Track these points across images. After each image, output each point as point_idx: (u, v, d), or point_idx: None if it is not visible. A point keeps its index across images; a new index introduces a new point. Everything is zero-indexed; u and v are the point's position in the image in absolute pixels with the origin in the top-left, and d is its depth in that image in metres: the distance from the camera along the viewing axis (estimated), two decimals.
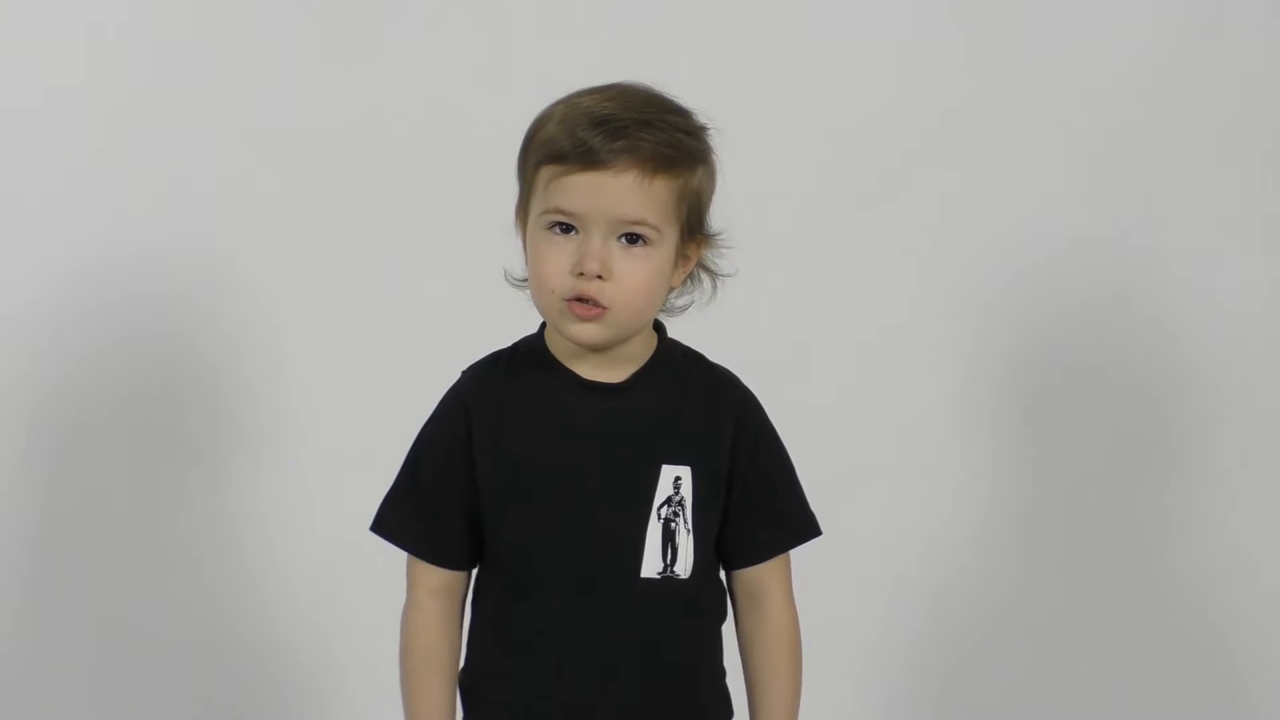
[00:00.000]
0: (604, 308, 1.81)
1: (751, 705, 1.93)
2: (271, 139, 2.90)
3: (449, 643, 1.90)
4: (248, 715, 2.91)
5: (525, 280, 1.88)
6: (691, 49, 2.95)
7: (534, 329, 1.91)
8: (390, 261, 2.94)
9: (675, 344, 1.92)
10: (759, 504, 1.90)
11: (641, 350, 1.88)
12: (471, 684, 1.92)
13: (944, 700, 3.06)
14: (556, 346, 1.88)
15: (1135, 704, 3.08)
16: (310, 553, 2.90)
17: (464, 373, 1.92)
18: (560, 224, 1.81)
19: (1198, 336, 3.12)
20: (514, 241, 1.89)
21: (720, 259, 1.91)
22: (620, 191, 1.79)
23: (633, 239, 1.81)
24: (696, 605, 1.89)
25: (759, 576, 1.92)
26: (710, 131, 1.86)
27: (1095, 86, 3.09)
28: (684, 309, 1.92)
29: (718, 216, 1.90)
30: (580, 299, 1.81)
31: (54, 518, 2.90)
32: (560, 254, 1.81)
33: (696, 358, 1.93)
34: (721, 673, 1.94)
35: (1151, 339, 3.11)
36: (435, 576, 1.89)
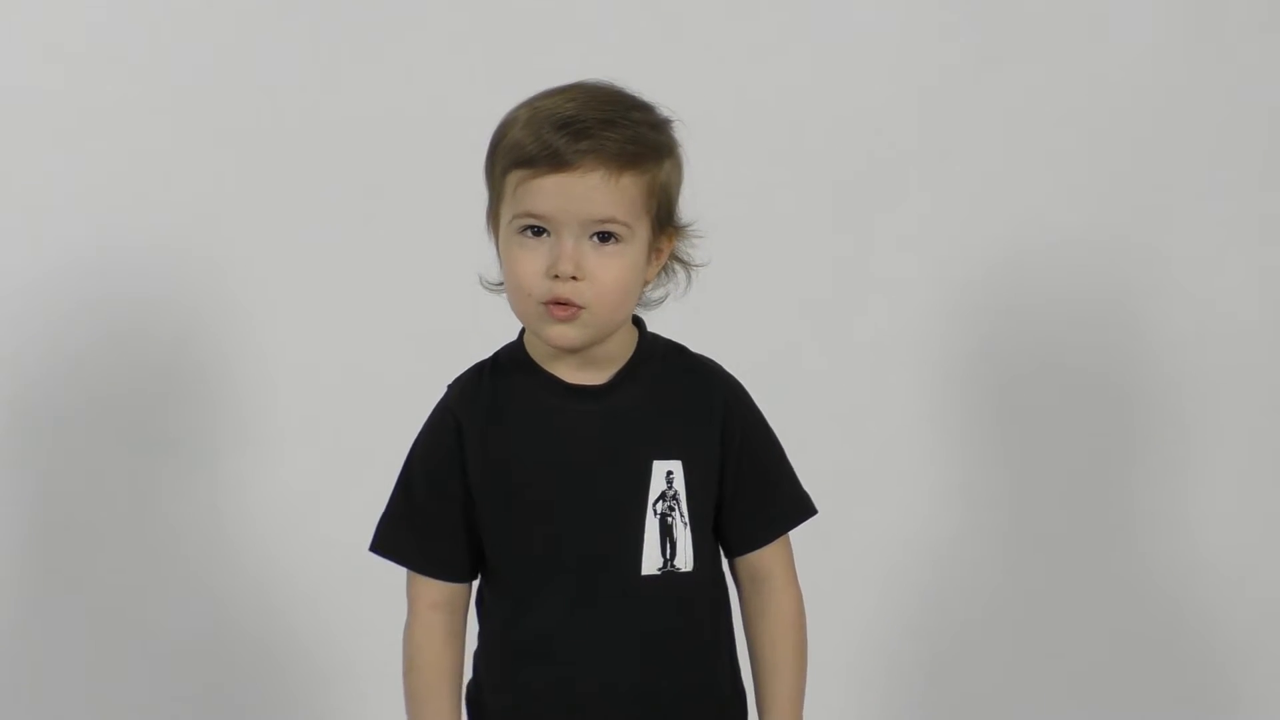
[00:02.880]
0: (580, 307, 1.81)
1: (758, 688, 1.94)
2: (270, 139, 2.89)
3: (453, 655, 1.90)
4: (248, 715, 2.91)
5: (499, 284, 1.88)
6: (688, 47, 2.94)
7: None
8: (388, 262, 2.93)
9: (656, 338, 1.92)
10: (753, 489, 1.91)
11: (622, 349, 1.88)
12: (478, 694, 1.92)
13: (928, 699, 3.06)
14: (536, 351, 1.89)
15: (1119, 700, 3.09)
16: (310, 552, 2.90)
17: (449, 386, 1.92)
18: (531, 227, 1.81)
19: (1193, 337, 3.11)
20: None
21: (693, 249, 1.91)
22: (588, 191, 1.79)
23: (604, 237, 1.81)
24: (701, 599, 1.89)
25: (761, 561, 1.93)
26: (675, 124, 1.86)
27: (1093, 87, 3.07)
28: (660, 302, 1.92)
29: (698, 211, 1.90)
30: (556, 302, 1.81)
31: (52, 517, 2.89)
32: (533, 257, 1.81)
33: (679, 350, 1.93)
34: (735, 667, 1.95)
35: (1147, 339, 3.10)
36: (435, 590, 1.90)
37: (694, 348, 1.96)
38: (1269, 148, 3.12)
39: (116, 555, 2.90)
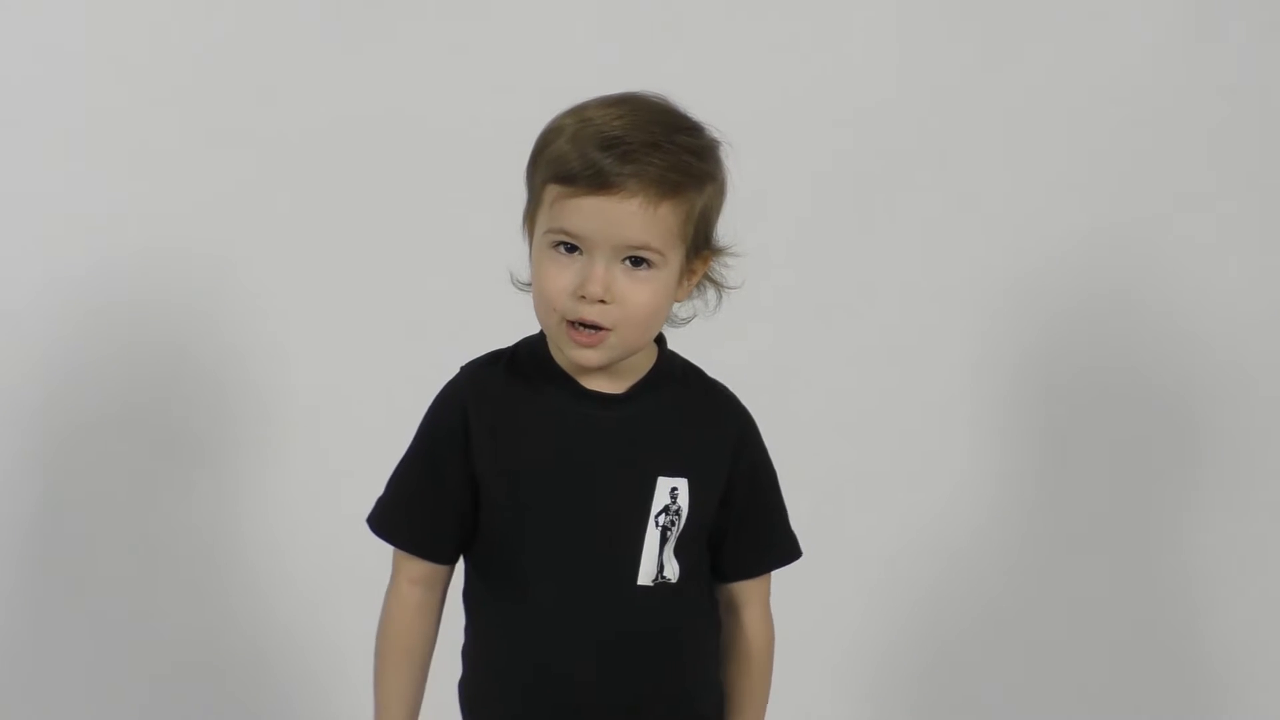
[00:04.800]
0: (606, 329, 1.81)
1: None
2: (274, 140, 2.88)
3: (423, 631, 1.93)
4: (247, 716, 2.93)
5: (530, 285, 1.87)
6: (692, 50, 2.92)
7: (535, 328, 1.90)
8: (391, 261, 2.92)
9: (674, 356, 1.92)
10: (751, 527, 1.93)
11: (642, 362, 1.88)
12: (470, 692, 1.94)
13: (942, 701, 3.07)
14: (558, 353, 1.88)
15: (1138, 706, 3.09)
16: (311, 553, 2.91)
17: (462, 368, 1.92)
18: (564, 243, 1.80)
19: (1201, 338, 3.09)
20: (516, 242, 1.88)
21: (726, 269, 1.90)
22: (626, 217, 1.77)
23: (637, 262, 1.80)
24: (691, 613, 1.91)
25: (741, 591, 1.97)
26: (722, 146, 1.84)
27: (1095, 87, 3.04)
28: (688, 320, 1.91)
29: (723, 221, 1.88)
30: (581, 323, 1.80)
31: (55, 518, 2.90)
32: (564, 273, 1.80)
33: (696, 372, 1.93)
34: (717, 684, 1.96)
35: (1154, 341, 3.09)
36: (417, 567, 1.92)
37: (718, 349, 1.96)
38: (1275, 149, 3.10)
39: (117, 556, 2.90)
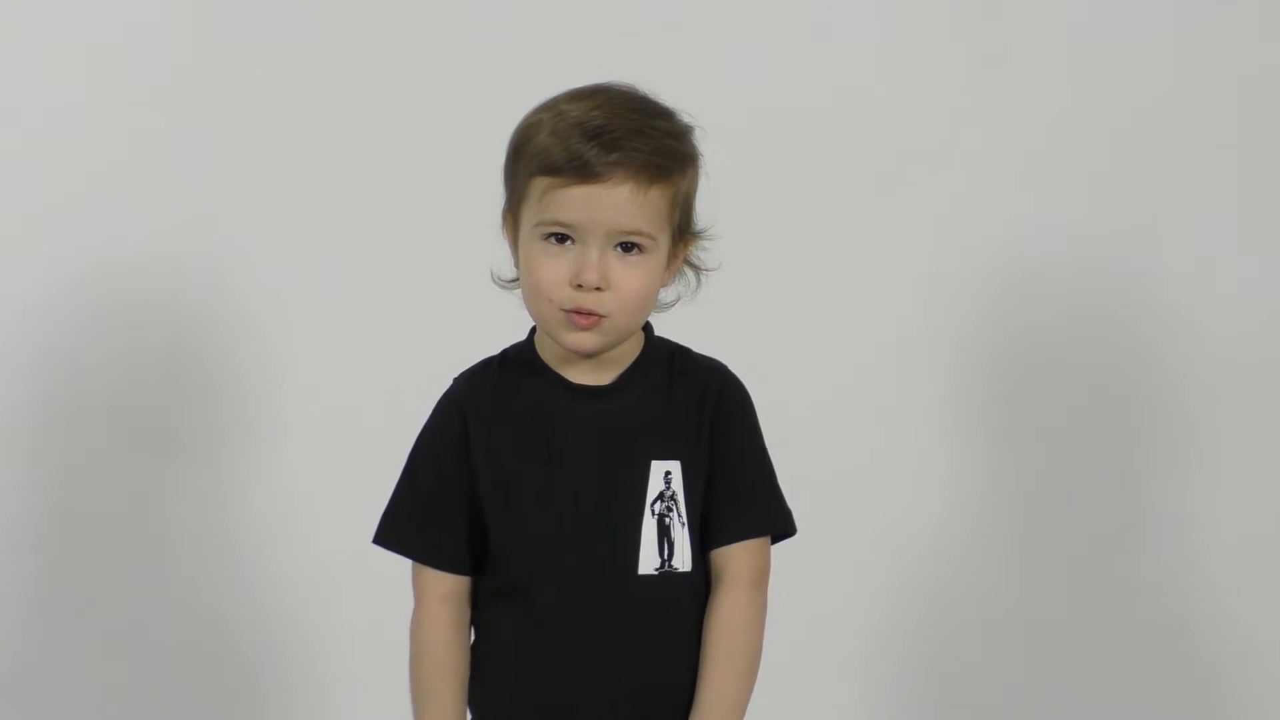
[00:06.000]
0: (602, 315, 1.82)
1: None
2: (270, 142, 2.88)
3: (460, 648, 1.90)
4: (246, 717, 2.91)
5: (512, 281, 1.89)
6: (692, 50, 2.94)
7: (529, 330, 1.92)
8: (388, 264, 2.92)
9: (662, 342, 1.94)
10: (722, 485, 1.88)
11: (629, 352, 1.90)
12: (480, 697, 1.92)
13: (937, 700, 3.08)
14: (546, 351, 1.90)
15: (1129, 705, 3.11)
16: (309, 555, 2.90)
17: (456, 379, 1.92)
18: (556, 235, 1.82)
19: (1194, 340, 3.11)
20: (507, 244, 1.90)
21: (704, 253, 1.92)
22: (617, 204, 1.80)
23: (628, 247, 1.82)
24: (700, 599, 1.89)
25: (723, 560, 1.88)
26: (695, 131, 1.87)
27: (1094, 88, 3.08)
28: (671, 305, 1.93)
29: (714, 214, 1.91)
30: (579, 311, 1.82)
31: (54, 520, 2.88)
32: (558, 265, 1.82)
33: (683, 352, 1.94)
34: None
35: (1148, 342, 3.10)
36: (443, 582, 1.90)
37: (708, 345, 1.96)
38: (1272, 149, 3.14)
39: (116, 558, 2.89)
